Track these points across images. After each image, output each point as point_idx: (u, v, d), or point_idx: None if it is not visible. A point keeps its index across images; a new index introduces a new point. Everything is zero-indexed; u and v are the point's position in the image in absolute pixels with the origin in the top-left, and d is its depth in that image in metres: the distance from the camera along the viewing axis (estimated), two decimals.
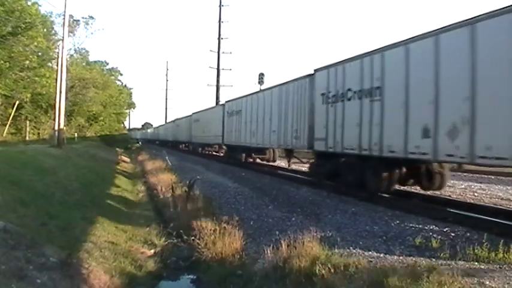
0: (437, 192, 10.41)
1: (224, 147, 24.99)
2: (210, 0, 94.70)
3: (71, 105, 36.11)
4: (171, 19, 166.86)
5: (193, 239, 7.90)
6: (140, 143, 66.84)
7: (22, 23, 25.97)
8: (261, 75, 34.28)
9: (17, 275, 4.90)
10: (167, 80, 69.83)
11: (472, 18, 7.02)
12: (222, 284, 6.21)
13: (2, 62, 24.90)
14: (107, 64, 57.79)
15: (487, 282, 4.05)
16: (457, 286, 3.96)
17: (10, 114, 29.76)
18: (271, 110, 15.73)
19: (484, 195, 10.78)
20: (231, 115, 21.33)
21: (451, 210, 8.26)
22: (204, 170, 18.91)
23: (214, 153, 30.74)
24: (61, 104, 21.76)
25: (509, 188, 11.89)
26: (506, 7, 6.41)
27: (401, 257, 5.38)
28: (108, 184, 15.91)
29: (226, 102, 23.30)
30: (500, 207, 9.00)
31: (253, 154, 20.37)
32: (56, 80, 23.03)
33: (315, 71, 12.21)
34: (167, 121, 59.16)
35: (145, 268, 7.30)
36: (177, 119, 42.98)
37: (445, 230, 6.68)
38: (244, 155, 20.39)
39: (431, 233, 6.47)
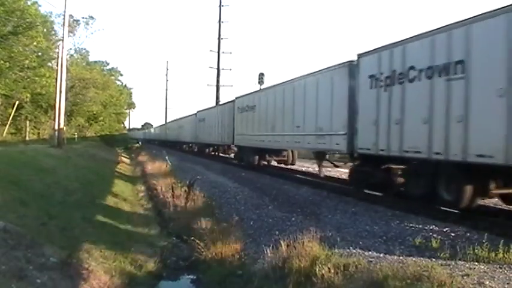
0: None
1: (352, 157, 11.08)
2: (210, 0, 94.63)
3: (71, 105, 36.12)
4: (171, 19, 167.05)
5: (193, 239, 7.92)
6: (140, 143, 66.75)
7: (22, 23, 25.99)
8: (261, 75, 34.20)
9: (17, 275, 4.91)
10: (167, 80, 69.54)
11: None
12: (222, 284, 6.22)
13: (2, 62, 24.92)
14: (107, 64, 57.93)
15: (487, 282, 4.05)
16: (457, 286, 3.96)
17: (10, 114, 29.79)
18: None
19: None
20: (390, 83, 9.06)
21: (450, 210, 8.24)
22: (204, 170, 18.91)
23: (286, 167, 18.04)
24: (61, 104, 21.76)
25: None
26: None
27: (401, 257, 5.37)
28: (108, 184, 15.91)
29: (361, 55, 10.18)
30: (500, 207, 9.00)
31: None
32: (56, 80, 23.03)
33: None
34: (167, 121, 58.66)
35: (145, 268, 7.30)
36: (200, 111, 30.67)
37: (445, 230, 6.67)
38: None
39: (431, 233, 6.46)
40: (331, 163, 13.49)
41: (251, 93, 19.31)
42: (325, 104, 11.62)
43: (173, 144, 42.82)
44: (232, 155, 24.19)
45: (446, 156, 7.62)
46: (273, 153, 17.90)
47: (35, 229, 6.76)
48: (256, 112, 17.49)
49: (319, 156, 13.06)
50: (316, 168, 14.15)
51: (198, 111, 31.61)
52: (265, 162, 18.48)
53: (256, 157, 18.01)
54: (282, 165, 18.39)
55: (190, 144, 35.87)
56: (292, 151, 17.45)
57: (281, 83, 15.27)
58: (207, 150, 29.22)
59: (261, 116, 16.94)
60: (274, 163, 18.70)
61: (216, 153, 27.93)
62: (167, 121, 57.36)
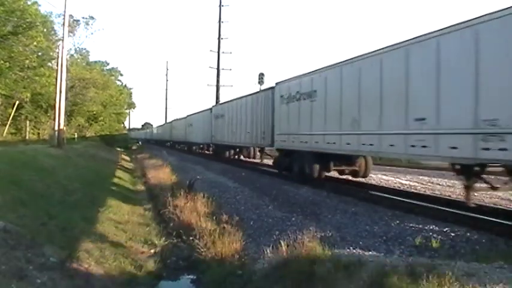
0: (437, 192, 10.43)
1: None
2: (210, 0, 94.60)
3: (71, 105, 36.16)
4: (171, 19, 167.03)
5: (193, 239, 7.92)
6: (140, 143, 66.81)
7: (22, 23, 26.00)
8: (261, 75, 34.23)
9: (17, 275, 4.91)
10: (167, 80, 69.66)
11: None
12: (222, 284, 6.21)
13: (2, 62, 24.94)
14: (107, 64, 58.05)
15: (487, 282, 4.04)
16: (457, 286, 3.96)
17: (10, 114, 29.81)
18: None
19: (484, 195, 10.76)
20: None
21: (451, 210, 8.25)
22: (203, 170, 18.92)
23: None
24: (61, 104, 21.78)
25: None
26: None
27: (401, 257, 5.38)
28: (108, 184, 15.91)
29: None
30: (500, 207, 9.00)
31: None
32: (56, 80, 23.05)
33: None
34: (167, 120, 58.34)
35: (145, 268, 7.30)
36: (218, 105, 27.15)
37: (445, 230, 6.68)
38: None
39: (431, 233, 6.47)
40: (485, 182, 7.57)
41: (307, 73, 12.79)
42: (503, 76, 6.44)
43: (180, 146, 39.71)
44: (265, 161, 18.83)
45: None
46: (341, 161, 12.17)
47: (35, 229, 6.76)
48: (318, 100, 11.87)
49: (471, 172, 7.47)
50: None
51: (213, 106, 26.95)
52: (328, 174, 12.83)
53: (317, 166, 12.20)
54: (348, 177, 13.06)
55: (202, 146, 31.00)
56: (366, 158, 12.10)
57: (373, 52, 9.66)
58: (227, 153, 23.89)
59: (328, 105, 11.36)
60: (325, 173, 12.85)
61: (236, 157, 23.29)
62: (171, 119, 53.93)
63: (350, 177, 12.98)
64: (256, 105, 17.63)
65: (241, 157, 23.21)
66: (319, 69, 12.19)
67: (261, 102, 17.03)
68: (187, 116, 36.22)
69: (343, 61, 10.90)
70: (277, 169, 15.54)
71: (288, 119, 13.89)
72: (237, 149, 22.80)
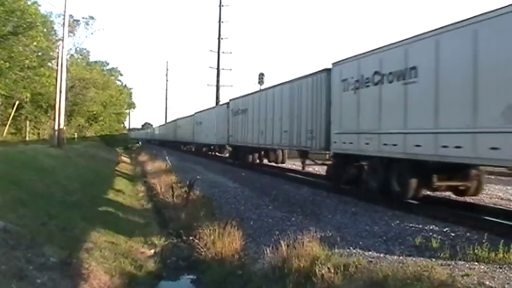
0: (438, 192, 10.41)
1: None
2: (210, 0, 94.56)
3: (71, 105, 36.15)
4: (171, 19, 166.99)
5: (193, 239, 7.93)
6: (140, 143, 66.81)
7: (23, 23, 25.99)
8: (261, 75, 34.25)
9: (17, 275, 4.91)
10: (167, 80, 69.37)
11: None
12: (221, 284, 6.21)
13: (2, 62, 24.93)
14: (107, 64, 58.06)
15: (487, 282, 4.05)
16: (457, 286, 3.96)
17: (10, 114, 29.80)
18: None
19: (484, 195, 10.77)
20: None
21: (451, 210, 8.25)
22: (203, 170, 18.92)
23: None
24: (61, 104, 21.79)
25: (509, 188, 11.88)
26: None
27: (401, 257, 5.37)
28: (108, 184, 15.91)
29: None
30: (500, 207, 9.00)
31: None
32: (56, 79, 23.06)
33: None
34: (167, 120, 58.04)
35: (145, 268, 7.30)
36: (236, 99, 21.40)
37: (445, 230, 6.68)
38: None
39: (431, 233, 6.47)
40: None
41: (395, 44, 8.89)
42: None
43: (187, 147, 36.81)
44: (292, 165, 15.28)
45: None
46: (452, 174, 8.38)
47: (35, 229, 6.76)
48: (422, 81, 8.00)
49: None
50: None
51: (231, 100, 22.26)
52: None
53: (413, 181, 8.52)
54: (448, 195, 9.62)
55: (213, 147, 27.06)
56: (478, 170, 8.58)
57: None
58: (250, 157, 19.83)
59: (444, 88, 7.51)
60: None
61: (258, 161, 19.85)
62: (171, 119, 52.77)
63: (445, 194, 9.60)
64: (298, 95, 13.36)
65: (265, 161, 19.74)
66: (422, 34, 8.11)
67: (306, 90, 12.83)
68: (196, 113, 31.84)
69: (479, 15, 6.92)
70: (333, 182, 11.44)
71: (358, 112, 10.02)
72: (262, 152, 19.12)
